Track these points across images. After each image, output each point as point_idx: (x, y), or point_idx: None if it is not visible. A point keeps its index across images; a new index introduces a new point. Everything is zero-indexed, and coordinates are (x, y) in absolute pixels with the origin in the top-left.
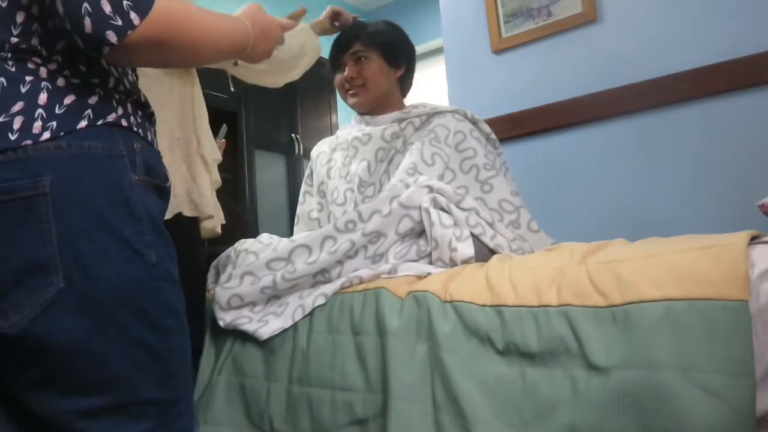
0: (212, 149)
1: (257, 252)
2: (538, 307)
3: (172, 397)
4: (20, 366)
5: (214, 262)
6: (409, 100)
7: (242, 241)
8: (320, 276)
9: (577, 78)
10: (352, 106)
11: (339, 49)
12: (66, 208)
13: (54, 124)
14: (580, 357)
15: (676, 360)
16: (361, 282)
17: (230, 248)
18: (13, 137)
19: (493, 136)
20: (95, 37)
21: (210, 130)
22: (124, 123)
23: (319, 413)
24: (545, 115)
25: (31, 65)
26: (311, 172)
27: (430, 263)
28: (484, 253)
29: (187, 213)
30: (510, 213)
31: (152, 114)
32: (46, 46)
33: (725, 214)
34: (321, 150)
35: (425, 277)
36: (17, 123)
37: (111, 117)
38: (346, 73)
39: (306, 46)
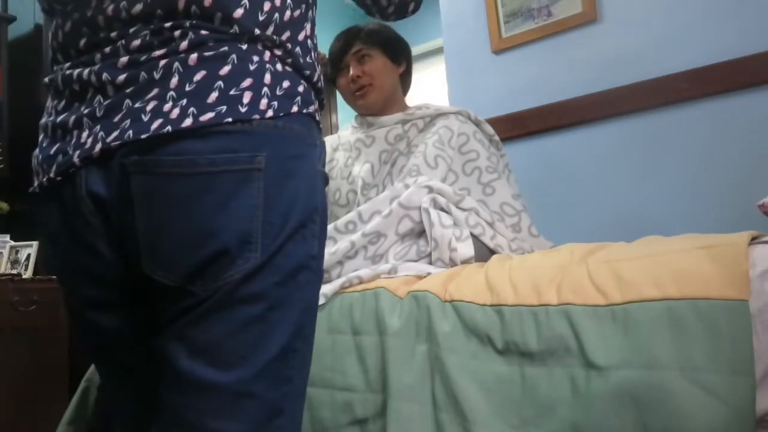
0: None
1: None
2: (538, 306)
3: (279, 405)
4: (178, 310)
5: None
6: (410, 100)
7: None
8: None
9: (577, 78)
10: (360, 108)
11: (340, 50)
12: (273, 186)
13: (276, 103)
14: (580, 356)
15: (676, 360)
16: (361, 282)
17: None
18: (243, 110)
19: (497, 137)
20: None
21: None
22: (317, 117)
23: (319, 413)
24: (545, 115)
25: (259, 46)
26: None
27: (430, 263)
28: (484, 253)
29: None
30: (511, 216)
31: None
32: (278, 34)
33: (725, 214)
34: None
35: (425, 277)
36: (247, 97)
37: (311, 108)
38: (351, 72)
39: None
